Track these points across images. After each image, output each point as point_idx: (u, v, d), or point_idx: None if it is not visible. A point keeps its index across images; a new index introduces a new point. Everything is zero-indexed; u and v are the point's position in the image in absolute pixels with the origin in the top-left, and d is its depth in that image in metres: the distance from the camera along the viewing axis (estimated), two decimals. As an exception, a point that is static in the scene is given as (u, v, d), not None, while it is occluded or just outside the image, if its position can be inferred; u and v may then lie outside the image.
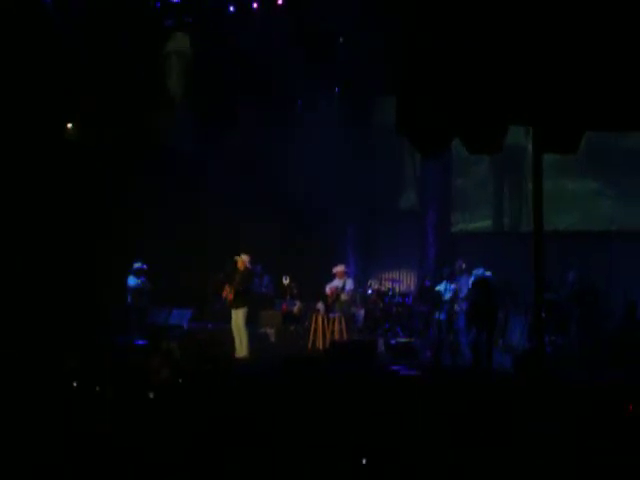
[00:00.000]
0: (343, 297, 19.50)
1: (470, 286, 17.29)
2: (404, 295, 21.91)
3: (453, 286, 18.36)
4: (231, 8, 20.88)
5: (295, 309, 20.74)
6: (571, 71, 9.79)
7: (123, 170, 21.26)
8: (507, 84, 9.97)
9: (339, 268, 19.82)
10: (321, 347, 18.84)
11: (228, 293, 17.97)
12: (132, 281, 19.74)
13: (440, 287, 18.54)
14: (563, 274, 18.49)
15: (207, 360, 12.21)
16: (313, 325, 19.52)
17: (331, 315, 19.33)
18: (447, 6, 10.24)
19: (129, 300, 19.73)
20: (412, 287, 22.98)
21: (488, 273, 17.05)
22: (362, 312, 21.12)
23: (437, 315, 18.31)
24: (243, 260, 18.11)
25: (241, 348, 17.82)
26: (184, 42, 22.12)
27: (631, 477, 7.31)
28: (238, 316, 17.89)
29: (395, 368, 16.16)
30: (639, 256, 19.57)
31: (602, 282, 18.56)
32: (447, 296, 18.23)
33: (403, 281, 23.62)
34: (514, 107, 10.09)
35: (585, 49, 9.78)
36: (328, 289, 19.62)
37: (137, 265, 19.73)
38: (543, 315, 13.94)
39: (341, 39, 21.78)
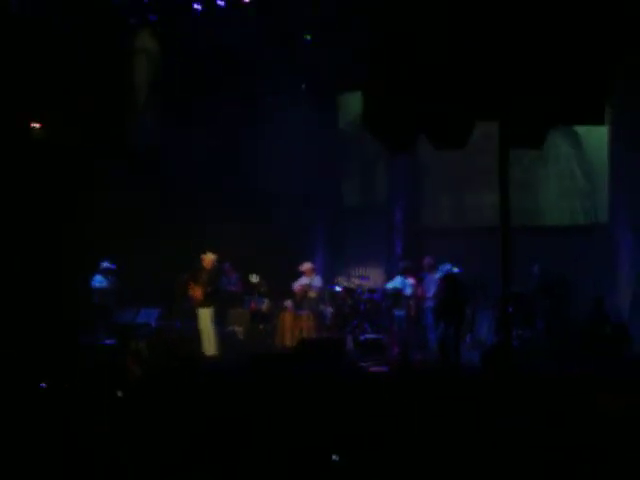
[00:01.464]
0: (311, 294, 19.51)
1: (437, 281, 17.34)
2: (372, 292, 21.92)
3: (411, 281, 18.36)
4: (197, 5, 20.80)
5: (263, 307, 20.72)
6: (536, 67, 9.84)
7: (90, 169, 21.14)
8: (473, 80, 10.00)
9: (307, 265, 19.82)
10: (290, 345, 18.83)
11: (195, 293, 17.94)
12: (99, 280, 19.61)
13: (395, 283, 18.52)
14: (529, 267, 18.62)
15: (175, 358, 12.19)
16: (281, 323, 19.52)
17: (299, 313, 19.34)
18: (414, 3, 10.26)
19: (96, 299, 19.60)
20: (380, 284, 23.00)
21: (455, 269, 17.08)
22: (330, 309, 21.11)
23: (396, 312, 18.31)
24: (209, 259, 18.08)
25: (209, 346, 17.80)
26: (151, 40, 22.04)
27: (600, 469, 7.35)
28: (205, 315, 17.88)
29: (364, 364, 16.21)
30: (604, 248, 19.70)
31: (571, 274, 18.74)
32: (407, 292, 18.24)
33: (371, 278, 23.64)
34: (480, 103, 10.12)
35: (550, 46, 9.83)
36: (296, 287, 19.62)
37: (105, 264, 19.61)
38: (510, 309, 14.02)
39: (308, 36, 21.77)
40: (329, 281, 22.03)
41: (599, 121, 10.22)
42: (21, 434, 8.13)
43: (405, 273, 18.56)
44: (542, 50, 9.85)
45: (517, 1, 9.81)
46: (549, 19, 9.86)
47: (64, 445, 7.80)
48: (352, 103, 24.14)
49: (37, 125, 21.08)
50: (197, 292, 17.94)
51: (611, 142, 19.56)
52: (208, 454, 7.57)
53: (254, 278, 20.62)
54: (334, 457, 7.20)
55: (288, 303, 19.77)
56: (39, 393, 9.85)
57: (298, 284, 19.63)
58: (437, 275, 17.32)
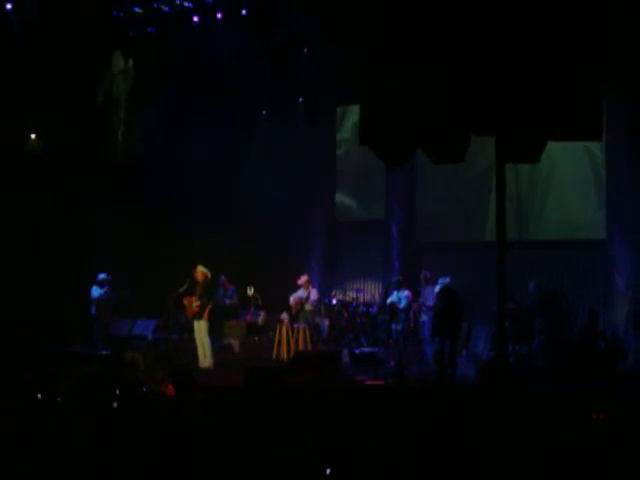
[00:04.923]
0: (307, 307, 19.50)
1: (435, 295, 17.33)
2: (368, 305, 21.94)
3: (406, 292, 18.40)
4: (195, 18, 20.88)
5: (259, 320, 20.71)
6: (533, 81, 9.86)
7: (89, 182, 21.20)
8: (469, 94, 10.03)
9: (303, 278, 19.81)
10: (285, 358, 18.82)
11: (190, 305, 17.91)
12: (96, 292, 19.62)
13: (393, 297, 18.59)
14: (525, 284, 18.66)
15: (171, 371, 12.15)
16: (277, 336, 19.51)
17: (295, 326, 19.33)
18: (410, 17, 10.28)
19: (93, 311, 19.61)
20: (376, 297, 23.01)
21: (453, 282, 17.08)
22: (326, 322, 21.13)
23: (394, 326, 18.33)
24: (201, 271, 18.03)
25: (205, 359, 17.79)
26: (124, 62, 22.26)
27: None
28: (200, 327, 17.86)
29: (359, 378, 16.20)
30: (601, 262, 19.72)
31: (568, 289, 18.87)
32: (403, 304, 18.27)
33: (367, 291, 23.65)
34: (476, 117, 10.14)
35: (547, 60, 9.86)
36: (292, 300, 19.60)
37: (102, 276, 19.61)
38: (506, 324, 14.02)
39: (305, 49, 21.83)
40: (325, 294, 22.04)
41: (596, 137, 10.24)
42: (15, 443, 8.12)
43: (399, 287, 18.61)
44: (539, 64, 9.88)
45: (514, 16, 9.85)
46: (546, 34, 9.89)
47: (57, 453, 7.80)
48: (349, 116, 24.23)
49: (32, 136, 21.18)
50: (191, 304, 17.91)
51: (608, 158, 19.61)
52: (200, 467, 7.57)
53: (250, 291, 20.61)
54: (328, 471, 7.19)
55: (284, 316, 19.75)
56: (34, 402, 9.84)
57: (294, 297, 19.61)
58: (436, 288, 17.30)
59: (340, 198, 25.00)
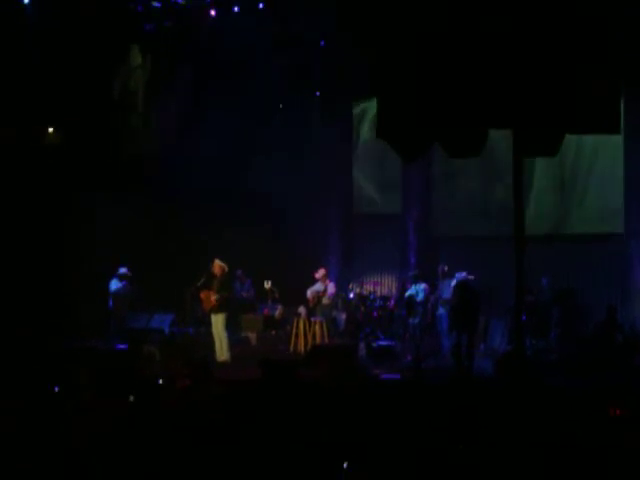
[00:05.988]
0: (325, 301, 19.49)
1: (452, 289, 17.31)
2: (385, 299, 21.93)
3: (423, 286, 18.39)
4: (212, 12, 20.86)
5: (276, 313, 20.75)
6: (550, 74, 9.82)
7: (106, 178, 21.20)
8: (487, 88, 9.99)
9: (321, 272, 19.81)
10: (302, 351, 18.83)
11: (207, 299, 17.94)
12: (115, 285, 19.64)
13: (411, 291, 18.58)
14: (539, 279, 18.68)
15: (187, 364, 12.17)
16: (294, 329, 19.53)
17: (312, 319, 19.33)
18: (425, 11, 10.25)
19: (110, 304, 19.63)
20: (393, 291, 23.00)
21: (470, 276, 17.06)
22: (343, 316, 21.13)
23: (412, 320, 18.33)
24: (218, 265, 18.06)
25: (222, 352, 17.82)
26: (140, 57, 22.27)
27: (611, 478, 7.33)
28: (217, 320, 17.90)
29: (376, 371, 16.18)
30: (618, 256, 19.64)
31: (585, 283, 18.85)
32: (420, 297, 18.26)
33: (384, 285, 23.64)
34: (494, 111, 10.11)
35: (564, 53, 9.81)
36: (309, 293, 19.60)
37: (122, 270, 19.61)
38: (524, 318, 14.00)
39: (322, 43, 21.77)
40: (342, 288, 22.03)
41: (614, 130, 10.18)
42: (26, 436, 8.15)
43: (416, 280, 18.61)
44: (557, 57, 9.84)
45: (531, 10, 9.81)
46: (563, 26, 9.85)
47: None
48: (367, 110, 24.20)
49: (50, 130, 21.19)
50: (209, 298, 17.95)
51: (626, 151, 19.49)
52: (216, 459, 7.58)
53: (267, 284, 20.64)
54: (345, 465, 7.19)
55: (301, 309, 19.78)
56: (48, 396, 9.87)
57: (311, 290, 19.61)
58: (453, 282, 17.28)
59: (357, 191, 25.01)
